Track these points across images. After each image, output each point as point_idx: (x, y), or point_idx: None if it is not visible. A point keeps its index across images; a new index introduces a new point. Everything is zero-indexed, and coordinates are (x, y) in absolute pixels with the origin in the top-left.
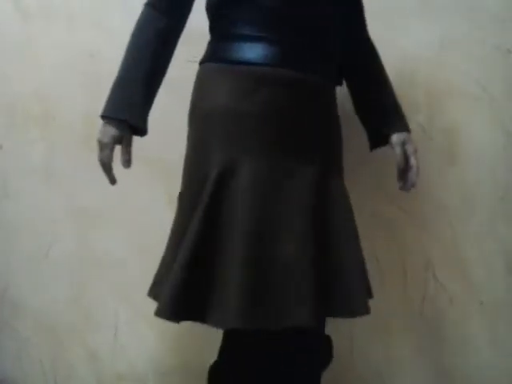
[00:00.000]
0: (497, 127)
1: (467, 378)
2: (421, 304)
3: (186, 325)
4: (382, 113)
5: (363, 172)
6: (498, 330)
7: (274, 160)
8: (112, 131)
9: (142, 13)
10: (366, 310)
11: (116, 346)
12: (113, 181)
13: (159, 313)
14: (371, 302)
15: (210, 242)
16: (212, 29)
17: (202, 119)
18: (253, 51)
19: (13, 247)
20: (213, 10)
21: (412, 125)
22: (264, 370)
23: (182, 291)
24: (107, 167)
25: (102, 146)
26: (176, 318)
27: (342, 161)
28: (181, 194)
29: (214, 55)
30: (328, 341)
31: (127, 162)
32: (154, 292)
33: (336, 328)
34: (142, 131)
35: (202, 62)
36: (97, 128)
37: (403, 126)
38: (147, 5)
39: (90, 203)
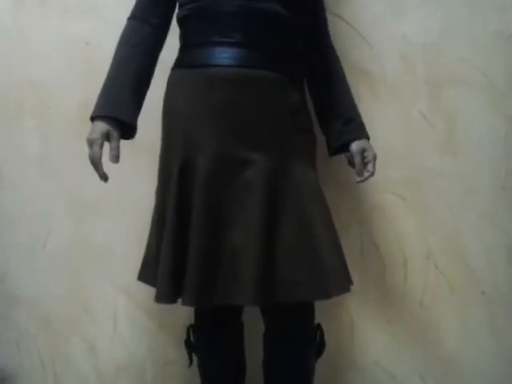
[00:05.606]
0: (498, 114)
1: (467, 368)
2: (421, 293)
3: (185, 316)
4: (342, 120)
5: None
6: (498, 320)
7: (227, 152)
8: (99, 127)
9: (126, 25)
10: (340, 290)
11: (115, 337)
12: (104, 178)
13: (157, 299)
14: (372, 291)
15: (182, 234)
16: (179, 39)
17: (167, 123)
18: (205, 55)
19: (9, 238)
20: (177, 23)
21: (412, 112)
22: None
23: (171, 277)
24: (97, 164)
25: (91, 143)
26: (172, 301)
27: (311, 149)
28: (156, 188)
29: (177, 62)
30: (319, 329)
31: (115, 158)
32: (143, 276)
33: (337, 317)
34: (130, 129)
35: (172, 69)
36: None
37: (362, 134)
38: (130, 18)
39: (86, 193)
